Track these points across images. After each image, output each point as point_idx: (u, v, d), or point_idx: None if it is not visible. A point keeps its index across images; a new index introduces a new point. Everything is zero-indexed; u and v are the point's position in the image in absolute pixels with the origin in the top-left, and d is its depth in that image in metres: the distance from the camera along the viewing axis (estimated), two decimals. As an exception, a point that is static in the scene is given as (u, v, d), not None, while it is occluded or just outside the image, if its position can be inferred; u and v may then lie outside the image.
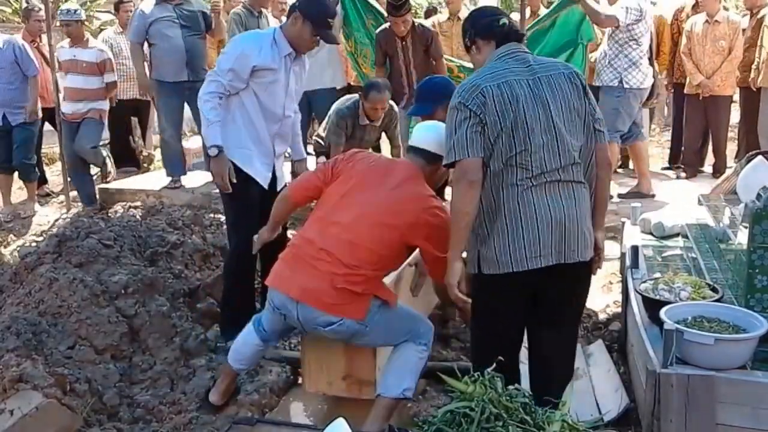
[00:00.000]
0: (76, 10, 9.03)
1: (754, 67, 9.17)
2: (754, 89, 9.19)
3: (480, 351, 3.88)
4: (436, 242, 3.88)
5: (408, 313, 4.23)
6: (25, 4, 9.91)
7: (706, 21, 9.21)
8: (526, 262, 3.54)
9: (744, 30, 9.48)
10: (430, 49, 8.13)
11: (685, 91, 9.67)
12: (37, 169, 9.60)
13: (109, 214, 7.39)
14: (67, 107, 8.97)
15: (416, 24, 8.22)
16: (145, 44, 8.45)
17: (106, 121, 9.22)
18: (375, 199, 4.01)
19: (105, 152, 9.35)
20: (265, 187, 5.30)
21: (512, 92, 3.53)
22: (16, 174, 9.37)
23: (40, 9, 9.58)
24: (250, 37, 5.42)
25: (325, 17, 5.04)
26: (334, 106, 7.43)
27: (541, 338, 3.86)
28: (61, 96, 9.04)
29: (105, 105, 9.13)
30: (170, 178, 8.83)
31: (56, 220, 8.36)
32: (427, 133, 4.23)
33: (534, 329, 3.87)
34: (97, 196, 8.93)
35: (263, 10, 9.05)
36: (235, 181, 5.02)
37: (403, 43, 8.09)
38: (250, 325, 4.44)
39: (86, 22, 10.32)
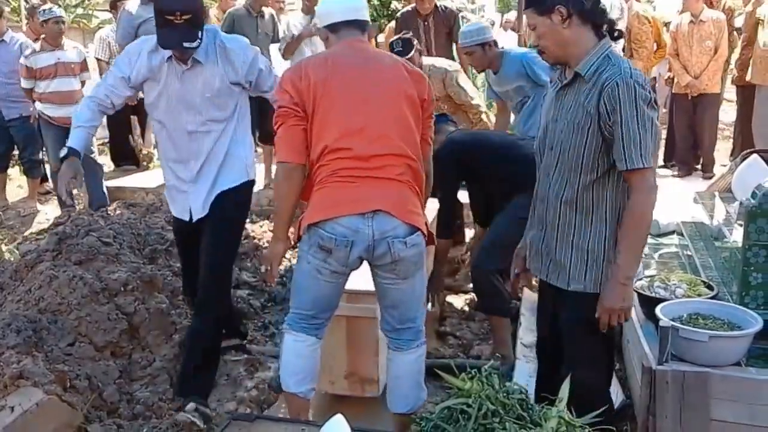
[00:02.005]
0: (52, 8, 8.75)
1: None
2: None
3: None
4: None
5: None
6: (24, 3, 9.73)
7: (691, 21, 9.26)
8: None
9: (738, 29, 9.54)
10: (453, 31, 8.07)
11: (673, 91, 9.76)
12: (42, 166, 9.58)
13: (109, 212, 7.39)
14: (53, 110, 8.55)
15: (439, 5, 8.19)
16: None
17: None
18: (367, 87, 3.63)
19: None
20: (185, 219, 4.71)
21: None
22: (9, 171, 9.31)
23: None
24: (135, 43, 4.68)
25: (161, 13, 4.18)
26: None
27: None
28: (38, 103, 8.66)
29: None
30: None
31: (57, 218, 8.38)
32: None
33: None
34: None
35: (264, 9, 8.96)
36: (75, 190, 4.60)
37: (425, 24, 8.02)
38: (286, 336, 3.85)
39: (84, 20, 10.24)
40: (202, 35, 4.24)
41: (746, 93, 9.59)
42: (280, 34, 9.09)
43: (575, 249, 3.35)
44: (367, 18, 3.83)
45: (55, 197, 9.55)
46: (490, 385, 2.97)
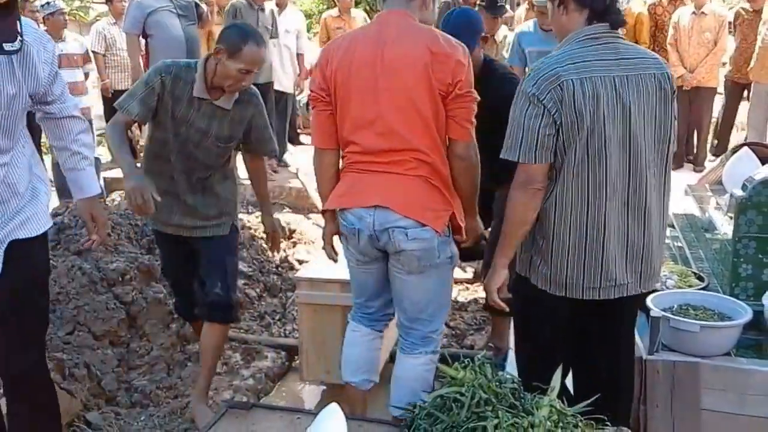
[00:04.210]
0: (54, 1, 8.60)
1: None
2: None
3: None
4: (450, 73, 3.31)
5: (450, 291, 3.73)
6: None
7: (693, 13, 9.27)
8: (581, 291, 3.18)
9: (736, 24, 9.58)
10: None
11: None
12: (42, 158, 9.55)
13: (107, 203, 7.41)
14: None
15: None
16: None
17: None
18: (378, 76, 3.38)
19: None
20: None
21: (594, 91, 2.98)
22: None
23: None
24: None
25: None
26: None
27: None
28: None
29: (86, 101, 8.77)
30: None
31: (55, 209, 8.39)
32: None
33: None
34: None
35: (265, 4, 8.93)
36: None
37: None
38: (347, 327, 3.89)
39: (81, 13, 10.17)
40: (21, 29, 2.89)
41: (735, 90, 9.66)
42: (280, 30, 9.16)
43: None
44: None
45: (51, 188, 9.56)
46: (483, 374, 3.00)
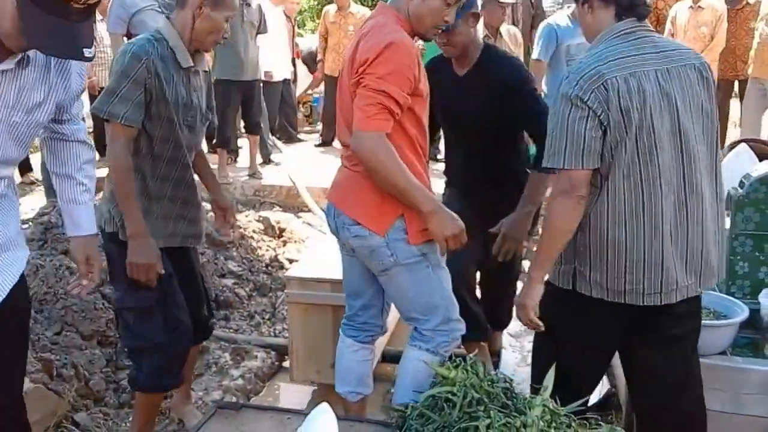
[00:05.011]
0: None
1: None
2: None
3: None
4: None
5: (441, 285, 3.48)
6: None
7: (690, 7, 9.24)
8: (642, 297, 2.99)
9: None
10: None
11: None
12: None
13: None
14: None
15: None
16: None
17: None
18: (344, 70, 3.38)
19: None
20: None
21: (640, 87, 2.86)
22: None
23: None
24: None
25: None
26: None
27: None
28: None
29: None
30: None
31: (42, 208, 8.34)
32: None
33: None
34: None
35: None
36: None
37: None
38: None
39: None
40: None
41: (726, 86, 9.67)
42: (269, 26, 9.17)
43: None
44: None
45: (39, 186, 9.52)
46: (475, 373, 2.98)
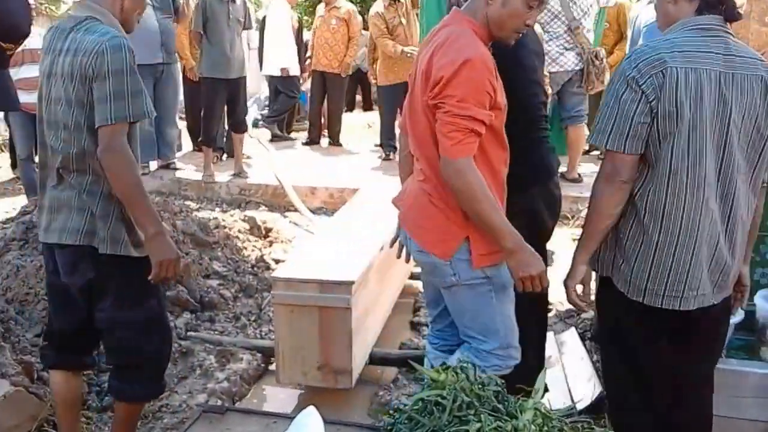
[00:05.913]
0: None
1: None
2: None
3: None
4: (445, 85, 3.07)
5: (503, 314, 3.41)
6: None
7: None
8: (661, 299, 2.97)
9: None
10: None
11: None
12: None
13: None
14: (20, 97, 8.36)
15: None
16: None
17: None
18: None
19: None
20: None
21: (698, 84, 2.78)
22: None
23: None
24: None
25: None
26: None
27: None
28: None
29: None
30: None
31: (24, 207, 8.27)
32: None
33: None
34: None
35: None
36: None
37: None
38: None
39: (52, 7, 10.07)
40: None
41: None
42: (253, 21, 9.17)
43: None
44: None
45: (21, 186, 9.44)
46: (465, 376, 2.93)
